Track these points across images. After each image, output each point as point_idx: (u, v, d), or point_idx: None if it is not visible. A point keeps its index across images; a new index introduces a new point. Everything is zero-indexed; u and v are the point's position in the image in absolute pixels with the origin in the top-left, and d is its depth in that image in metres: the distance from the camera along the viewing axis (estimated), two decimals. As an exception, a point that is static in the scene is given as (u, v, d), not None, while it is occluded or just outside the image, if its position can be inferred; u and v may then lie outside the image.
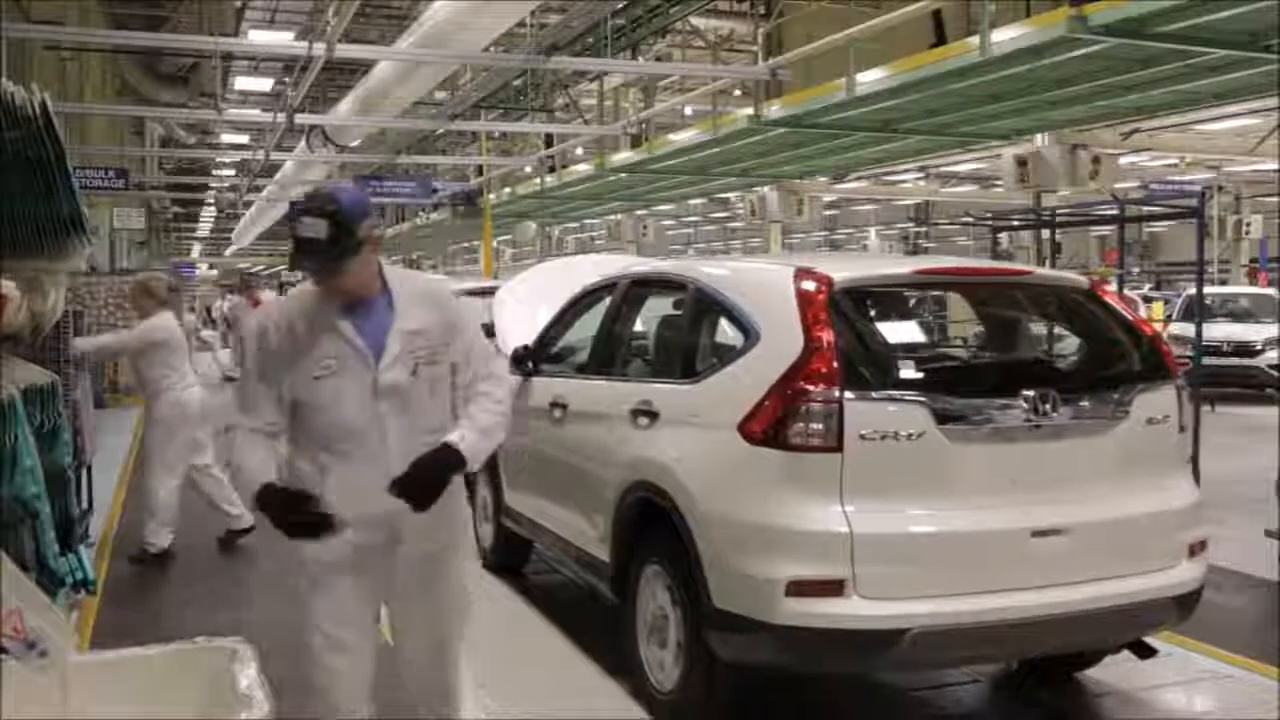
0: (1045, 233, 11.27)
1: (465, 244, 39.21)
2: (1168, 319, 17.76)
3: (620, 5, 15.73)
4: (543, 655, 5.19)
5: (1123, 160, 19.70)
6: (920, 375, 4.22)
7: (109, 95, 22.54)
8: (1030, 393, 3.86)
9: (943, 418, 3.77)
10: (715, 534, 3.91)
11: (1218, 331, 15.63)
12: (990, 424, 3.85)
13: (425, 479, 2.90)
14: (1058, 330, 5.61)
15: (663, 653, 4.28)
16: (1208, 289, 15.15)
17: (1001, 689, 4.86)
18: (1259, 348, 15.92)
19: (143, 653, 2.91)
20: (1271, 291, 19.09)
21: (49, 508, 3.92)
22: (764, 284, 4.33)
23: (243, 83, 24.90)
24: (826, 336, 3.81)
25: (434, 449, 2.93)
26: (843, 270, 4.17)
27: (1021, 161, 14.21)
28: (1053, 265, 11.33)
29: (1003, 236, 15.55)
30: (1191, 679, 4.96)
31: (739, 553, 3.82)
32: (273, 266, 58.10)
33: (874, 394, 3.79)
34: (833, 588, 3.65)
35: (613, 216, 28.35)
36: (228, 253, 56.89)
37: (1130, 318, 4.50)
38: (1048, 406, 3.86)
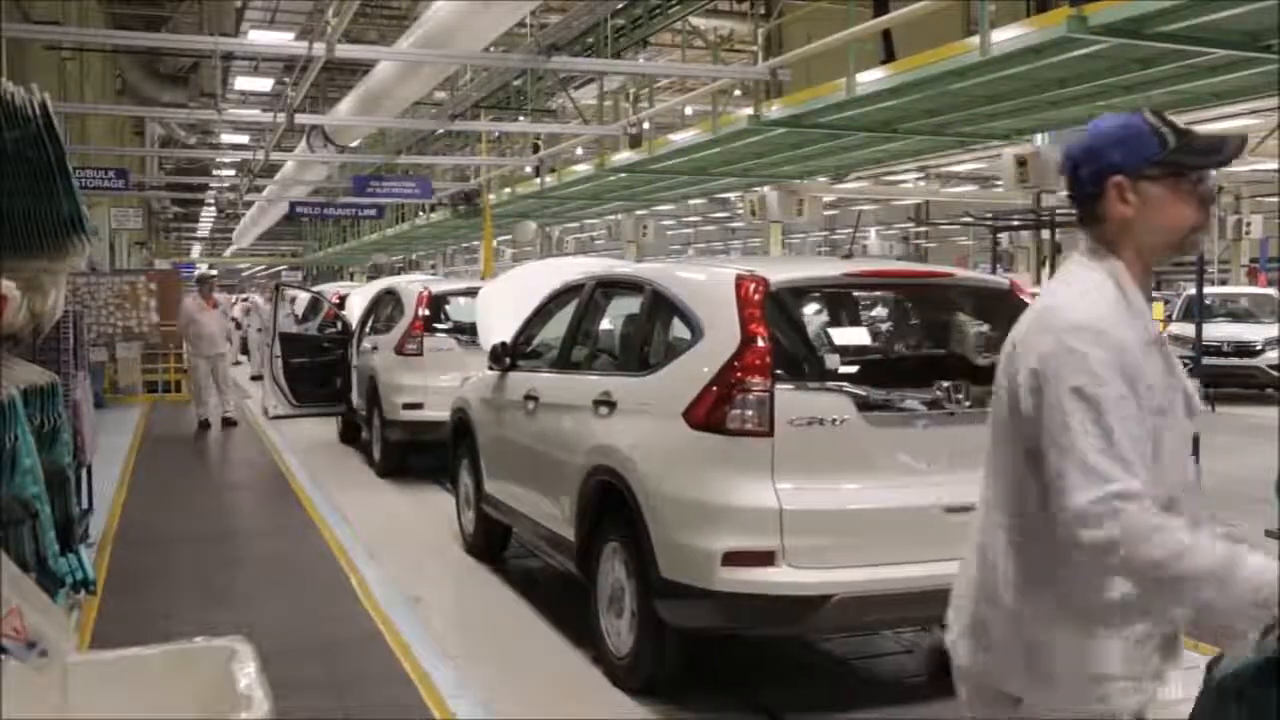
0: (1045, 233, 11.27)
1: (465, 244, 39.22)
2: (1168, 319, 17.77)
3: (620, 5, 15.70)
4: (523, 636, 5.52)
5: (1123, 160, 19.62)
6: (846, 368, 4.51)
7: (109, 95, 22.54)
8: (945, 383, 4.27)
9: (865, 405, 4.19)
10: (663, 511, 4.32)
11: (1218, 331, 15.64)
12: (907, 411, 4.27)
13: None
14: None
15: (619, 621, 4.67)
16: (1208, 289, 15.15)
17: (936, 658, 5.00)
18: (1259, 348, 15.93)
19: (142, 653, 2.91)
20: (1271, 291, 19.07)
21: (49, 508, 3.92)
22: (709, 286, 4.75)
23: (243, 83, 24.89)
24: (761, 332, 4.24)
25: None
26: (780, 273, 4.59)
27: (1021, 161, 14.19)
28: (1052, 265, 11.34)
29: (1003, 236, 15.57)
30: (1191, 678, 4.97)
31: (682, 527, 4.24)
32: (272, 266, 58.13)
33: (803, 384, 4.22)
34: (764, 558, 4.06)
35: (613, 216, 28.32)
36: (228, 253, 56.86)
37: None
38: (959, 395, 4.27)
